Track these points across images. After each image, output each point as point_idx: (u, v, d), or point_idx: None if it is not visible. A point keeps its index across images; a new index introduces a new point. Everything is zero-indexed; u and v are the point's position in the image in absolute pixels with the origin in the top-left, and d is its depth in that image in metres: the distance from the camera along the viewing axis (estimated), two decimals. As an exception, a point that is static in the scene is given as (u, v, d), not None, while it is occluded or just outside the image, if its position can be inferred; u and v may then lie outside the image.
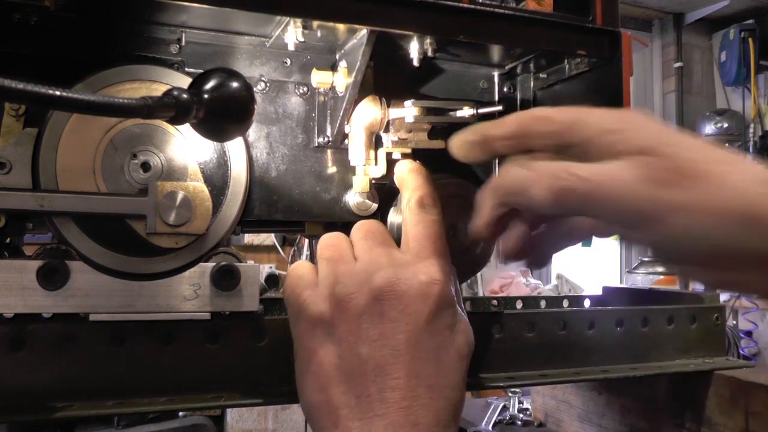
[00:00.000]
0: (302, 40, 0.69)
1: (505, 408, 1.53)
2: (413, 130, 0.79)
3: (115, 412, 0.65)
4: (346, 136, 0.77)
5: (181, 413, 2.56)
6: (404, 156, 0.78)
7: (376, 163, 0.77)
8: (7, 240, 0.73)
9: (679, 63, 5.22)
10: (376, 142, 0.77)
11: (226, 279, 0.71)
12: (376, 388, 0.57)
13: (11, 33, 0.67)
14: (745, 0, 4.81)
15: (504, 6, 0.74)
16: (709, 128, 5.08)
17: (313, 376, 0.61)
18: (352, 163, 0.78)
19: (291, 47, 0.70)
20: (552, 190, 0.50)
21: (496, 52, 0.83)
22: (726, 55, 5.03)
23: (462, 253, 0.79)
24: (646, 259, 4.52)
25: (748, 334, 4.24)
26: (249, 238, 3.77)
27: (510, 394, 1.51)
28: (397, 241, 0.68)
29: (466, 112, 0.81)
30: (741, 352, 4.07)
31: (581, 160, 0.51)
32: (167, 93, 0.55)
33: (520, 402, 1.50)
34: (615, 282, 5.31)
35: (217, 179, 0.71)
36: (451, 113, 0.81)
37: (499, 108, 0.87)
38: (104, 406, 0.65)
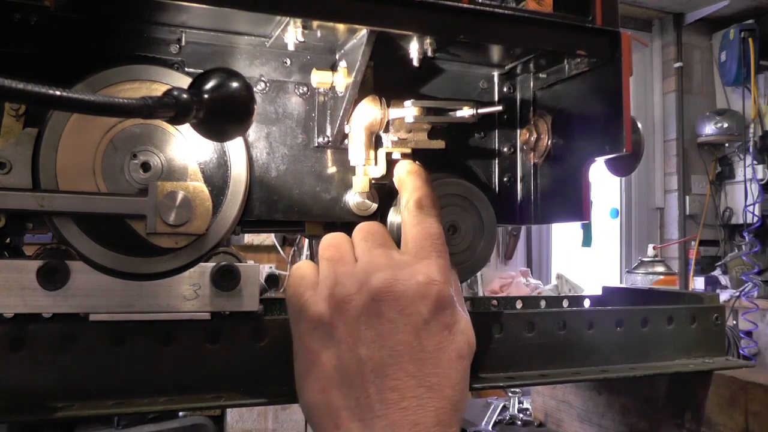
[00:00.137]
0: (302, 40, 0.69)
1: (505, 408, 1.54)
2: (413, 130, 0.79)
3: (115, 412, 0.65)
4: (346, 136, 0.77)
5: (181, 413, 2.55)
6: (404, 156, 0.78)
7: (376, 163, 0.77)
8: (7, 240, 0.73)
9: (679, 63, 5.22)
10: (376, 142, 0.77)
11: (226, 279, 0.71)
12: (375, 389, 0.58)
13: (11, 33, 0.67)
14: (745, 0, 4.81)
15: (504, 6, 0.74)
16: (709, 128, 5.08)
17: (314, 377, 0.61)
18: (352, 163, 0.78)
19: (291, 47, 0.70)
20: None
21: (496, 52, 0.83)
22: (726, 55, 5.03)
23: (462, 253, 0.79)
24: (646, 259, 4.52)
25: (748, 334, 4.24)
26: (249, 238, 3.77)
27: (510, 394, 1.51)
28: (398, 242, 0.68)
29: (465, 112, 0.81)
30: (741, 352, 4.07)
31: None
32: (167, 93, 0.55)
33: (520, 402, 1.51)
34: (615, 282, 5.31)
35: (217, 179, 0.71)
36: (451, 113, 0.81)
37: (499, 108, 0.87)
38: (104, 406, 0.65)
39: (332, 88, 0.76)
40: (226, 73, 0.59)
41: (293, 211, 0.78)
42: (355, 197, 0.79)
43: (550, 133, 0.87)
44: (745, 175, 4.91)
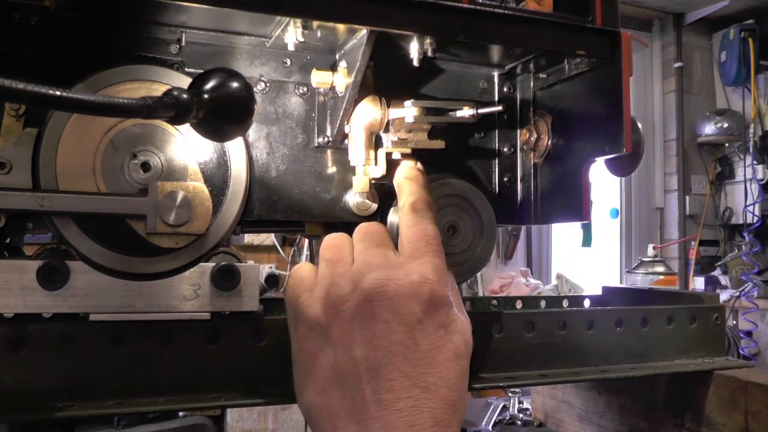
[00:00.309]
0: (302, 40, 0.69)
1: (505, 408, 1.54)
2: (413, 130, 0.79)
3: (115, 412, 0.65)
4: (346, 136, 0.77)
5: (181, 413, 2.55)
6: (404, 156, 0.78)
7: (376, 163, 0.77)
8: (7, 240, 0.73)
9: (679, 63, 5.22)
10: (376, 142, 0.77)
11: (226, 279, 0.71)
12: (370, 390, 0.57)
13: (11, 33, 0.67)
14: (745, 0, 4.81)
15: (504, 6, 0.74)
16: (709, 128, 5.08)
17: (312, 379, 0.61)
18: (352, 163, 0.78)
19: (291, 47, 0.70)
20: None
21: (495, 52, 0.83)
22: (726, 55, 5.03)
23: (462, 253, 0.79)
24: (646, 259, 4.52)
25: (748, 334, 4.24)
26: (249, 238, 3.77)
27: (510, 394, 1.51)
28: (397, 243, 0.68)
29: (465, 112, 0.81)
30: (741, 352, 4.07)
31: None
32: (167, 93, 0.55)
33: (520, 402, 1.51)
34: (615, 282, 5.31)
35: (217, 179, 0.71)
36: (451, 113, 0.81)
37: (499, 108, 0.87)
38: (104, 406, 0.65)
39: (332, 88, 0.76)
40: (226, 73, 0.59)
41: (293, 211, 0.78)
42: (355, 197, 0.79)
43: (550, 133, 0.87)
44: (745, 175, 4.91)
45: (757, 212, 4.67)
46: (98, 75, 0.67)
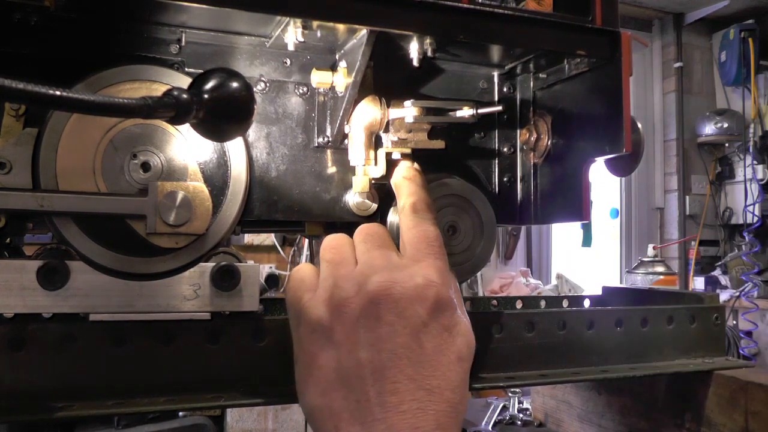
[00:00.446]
0: (302, 40, 0.69)
1: (505, 408, 1.53)
2: (413, 130, 0.79)
3: (115, 412, 0.65)
4: (345, 136, 0.77)
5: (181, 413, 2.55)
6: (404, 156, 0.78)
7: (375, 163, 0.77)
8: (7, 240, 0.73)
9: (679, 63, 5.22)
10: (376, 142, 0.77)
11: (226, 279, 0.71)
12: (375, 392, 0.57)
13: (11, 33, 0.67)
14: (745, 0, 4.81)
15: (504, 6, 0.74)
16: (709, 128, 5.08)
17: (314, 380, 0.61)
18: (352, 163, 0.78)
19: (291, 47, 0.70)
20: None
21: (495, 52, 0.83)
22: (726, 55, 5.03)
23: (462, 253, 0.79)
24: (646, 259, 4.52)
25: (748, 334, 4.24)
26: (249, 238, 3.76)
27: (510, 394, 1.51)
28: (398, 243, 0.68)
29: (465, 112, 0.81)
30: (741, 352, 4.07)
31: None
32: (167, 93, 0.55)
33: (520, 402, 1.50)
34: (615, 282, 5.31)
35: (217, 179, 0.71)
36: (450, 113, 0.81)
37: (499, 108, 0.87)
38: (104, 406, 0.65)
39: (332, 88, 0.76)
40: (226, 73, 0.59)
41: (293, 211, 0.78)
42: (355, 197, 0.79)
43: (550, 133, 0.87)
44: (745, 175, 4.91)
45: (757, 212, 4.67)
46: (98, 75, 0.68)
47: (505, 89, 0.90)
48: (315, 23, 0.69)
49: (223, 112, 0.59)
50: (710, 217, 5.20)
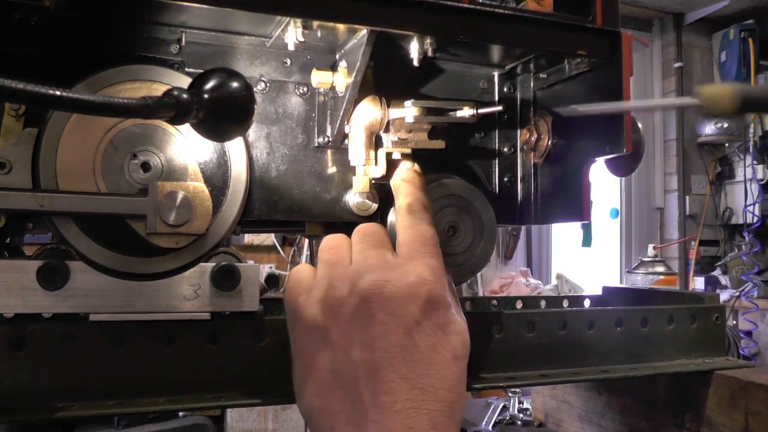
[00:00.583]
0: (302, 40, 0.69)
1: (505, 408, 1.54)
2: (413, 130, 0.79)
3: (115, 412, 0.65)
4: (346, 136, 0.77)
5: (181, 413, 2.55)
6: (404, 156, 0.78)
7: (376, 163, 0.77)
8: (7, 240, 0.73)
9: (679, 63, 5.21)
10: (376, 142, 0.77)
11: (226, 279, 0.71)
12: (369, 393, 0.57)
13: (11, 33, 0.67)
14: (745, 0, 4.81)
15: (504, 6, 0.74)
16: (709, 128, 5.08)
17: (311, 381, 0.61)
18: (352, 163, 0.78)
19: (291, 47, 0.70)
20: None
21: (496, 52, 0.83)
22: (726, 55, 5.03)
23: (462, 254, 0.79)
24: (646, 259, 4.52)
25: (748, 334, 4.24)
26: (249, 238, 3.76)
27: (510, 394, 1.51)
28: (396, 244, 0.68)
29: (466, 112, 0.81)
30: (741, 352, 4.07)
31: None
32: (167, 93, 0.55)
33: (520, 402, 1.51)
34: (615, 282, 5.31)
35: (217, 179, 0.71)
36: (451, 113, 0.81)
37: (500, 108, 0.87)
38: (104, 406, 0.65)
39: (332, 88, 0.76)
40: (226, 73, 0.59)
41: (293, 211, 0.78)
42: (355, 197, 0.79)
43: (551, 133, 0.87)
44: (745, 175, 4.91)
45: (757, 212, 4.67)
46: (98, 75, 0.67)
47: (505, 89, 0.90)
48: (315, 23, 0.69)
49: (223, 112, 0.58)
50: (710, 217, 5.20)
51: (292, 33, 0.69)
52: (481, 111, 0.81)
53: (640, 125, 0.80)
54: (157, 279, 0.69)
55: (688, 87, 5.28)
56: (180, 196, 0.67)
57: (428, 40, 0.73)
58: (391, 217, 0.78)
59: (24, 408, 0.63)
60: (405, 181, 0.72)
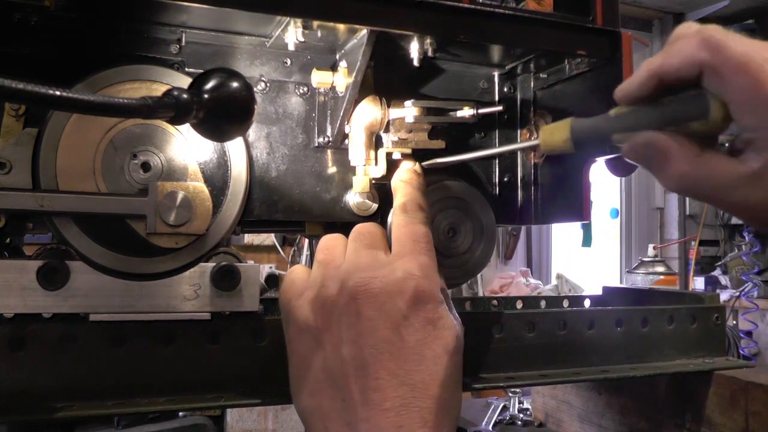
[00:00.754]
0: (302, 40, 0.69)
1: (505, 408, 1.53)
2: (413, 130, 0.79)
3: (115, 412, 0.65)
4: (346, 136, 0.77)
5: (181, 413, 2.55)
6: (404, 156, 0.78)
7: (376, 163, 0.77)
8: (7, 240, 0.73)
9: (679, 63, 5.22)
10: (376, 142, 0.77)
11: (226, 279, 0.71)
12: (359, 390, 0.57)
13: (11, 33, 0.67)
14: (745, 0, 4.81)
15: (504, 6, 0.74)
16: (709, 128, 5.07)
17: (305, 381, 0.61)
18: (352, 163, 0.78)
19: (291, 47, 0.70)
20: (703, 42, 0.51)
21: (496, 52, 0.83)
22: (726, 55, 5.03)
23: (461, 255, 0.79)
24: (646, 259, 4.52)
25: (748, 334, 4.24)
26: (249, 238, 3.76)
27: (510, 394, 1.51)
28: None
29: (466, 112, 0.81)
30: (741, 352, 4.07)
31: None
32: (167, 93, 0.55)
33: (520, 402, 1.50)
34: (615, 282, 5.31)
35: (217, 179, 0.71)
36: (451, 113, 0.81)
37: (500, 108, 0.87)
38: (104, 406, 0.65)
39: (332, 88, 0.76)
40: (226, 73, 0.59)
41: (293, 211, 0.78)
42: (355, 197, 0.79)
43: (551, 133, 0.86)
44: (745, 175, 4.90)
45: (757, 212, 4.66)
46: (98, 75, 0.67)
47: (505, 89, 0.90)
48: (315, 23, 0.69)
49: (223, 112, 0.58)
50: (710, 217, 5.19)
51: (292, 33, 0.69)
52: (481, 111, 0.81)
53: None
54: (157, 279, 0.69)
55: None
56: (180, 196, 0.67)
57: (428, 40, 0.73)
58: (390, 217, 0.78)
59: (24, 408, 0.63)
60: (403, 181, 0.72)
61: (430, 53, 0.74)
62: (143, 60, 0.71)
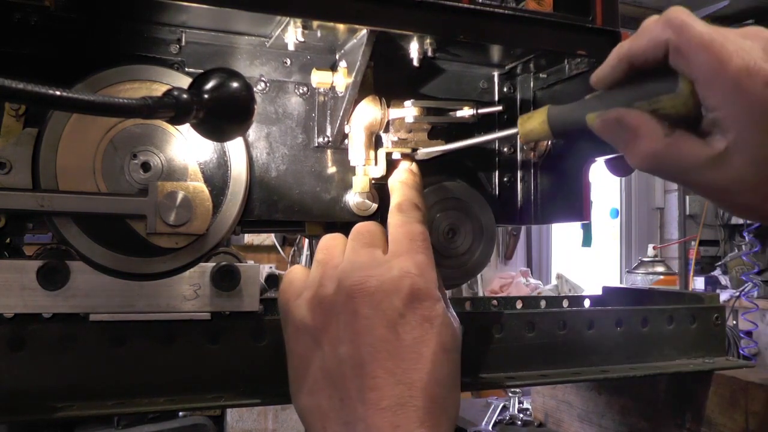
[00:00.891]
0: (302, 40, 0.69)
1: (505, 408, 1.53)
2: (413, 130, 0.79)
3: (115, 412, 0.65)
4: (346, 136, 0.77)
5: (181, 413, 2.55)
6: (404, 156, 0.78)
7: (376, 163, 0.77)
8: (7, 240, 0.73)
9: (679, 63, 5.22)
10: (376, 142, 0.77)
11: (226, 279, 0.71)
12: (356, 389, 0.57)
13: (11, 33, 0.67)
14: (745, 0, 4.81)
15: (504, 6, 0.74)
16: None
17: (304, 381, 0.61)
18: (352, 163, 0.78)
19: (291, 47, 0.70)
20: (667, 23, 0.56)
21: (496, 52, 0.83)
22: (726, 55, 5.03)
23: (461, 256, 0.79)
24: (646, 259, 4.52)
25: (748, 334, 4.24)
26: (249, 238, 3.77)
27: (510, 394, 1.51)
28: None
29: (466, 112, 0.81)
30: (741, 352, 4.07)
31: None
32: (167, 93, 0.55)
33: (520, 402, 1.50)
34: (615, 282, 5.31)
35: (217, 179, 0.71)
36: (451, 113, 0.81)
37: (499, 108, 0.87)
38: (104, 406, 0.65)
39: (332, 88, 0.76)
40: (226, 73, 0.59)
41: (293, 211, 0.78)
42: (355, 197, 0.79)
43: (550, 133, 0.87)
44: (745, 175, 4.90)
45: (757, 212, 4.66)
46: (98, 75, 0.68)
47: (505, 89, 0.90)
48: (315, 23, 0.69)
49: (223, 112, 0.59)
50: (710, 217, 5.19)
51: (292, 33, 0.69)
52: (481, 111, 0.81)
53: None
54: (157, 279, 0.69)
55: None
56: (180, 196, 0.67)
57: (428, 40, 0.73)
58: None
59: (24, 408, 0.63)
60: (399, 181, 0.72)
61: (429, 53, 0.74)
62: (143, 60, 0.71)
